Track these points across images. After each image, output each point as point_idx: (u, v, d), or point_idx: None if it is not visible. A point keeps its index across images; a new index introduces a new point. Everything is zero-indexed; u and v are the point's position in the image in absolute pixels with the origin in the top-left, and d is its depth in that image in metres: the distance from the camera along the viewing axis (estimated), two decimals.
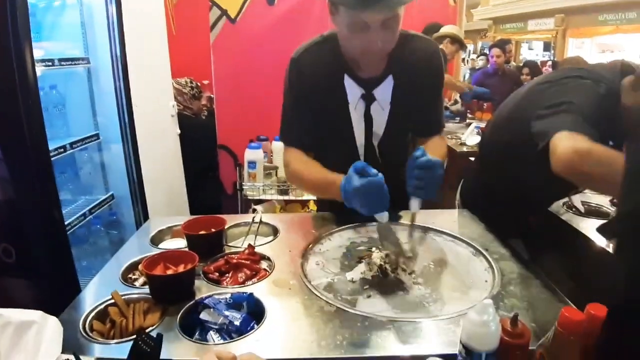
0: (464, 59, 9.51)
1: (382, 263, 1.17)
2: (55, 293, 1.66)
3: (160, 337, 0.87)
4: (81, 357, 0.89)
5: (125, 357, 0.88)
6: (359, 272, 1.20)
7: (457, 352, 0.85)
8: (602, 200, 1.92)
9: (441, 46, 3.42)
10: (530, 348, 0.83)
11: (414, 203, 1.32)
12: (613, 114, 1.26)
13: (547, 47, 13.44)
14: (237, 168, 2.81)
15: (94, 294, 1.17)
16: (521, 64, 5.78)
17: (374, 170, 1.19)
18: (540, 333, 0.94)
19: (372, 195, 1.18)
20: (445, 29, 3.53)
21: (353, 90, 1.44)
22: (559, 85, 1.36)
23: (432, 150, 1.38)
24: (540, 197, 1.68)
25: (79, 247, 2.10)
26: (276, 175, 2.75)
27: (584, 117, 1.21)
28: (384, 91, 1.44)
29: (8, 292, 1.76)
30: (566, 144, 1.14)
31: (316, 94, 1.43)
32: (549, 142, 1.19)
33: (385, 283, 1.18)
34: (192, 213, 3.17)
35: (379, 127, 1.48)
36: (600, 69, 1.37)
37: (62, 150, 1.87)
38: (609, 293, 0.88)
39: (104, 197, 2.21)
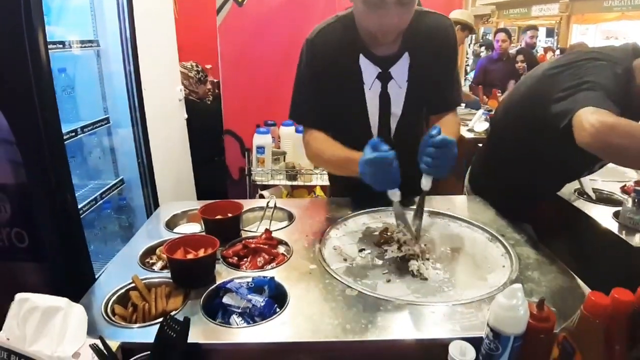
0: (468, 44, 9.41)
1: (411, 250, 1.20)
2: (69, 277, 1.66)
3: (187, 321, 0.88)
4: (107, 341, 0.90)
5: (150, 340, 0.90)
6: (390, 252, 1.23)
7: (480, 335, 0.86)
8: (614, 188, 1.93)
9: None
10: (554, 332, 0.84)
11: (426, 181, 1.31)
12: (629, 94, 1.27)
13: (550, 33, 13.29)
14: (246, 153, 2.80)
15: (111, 279, 1.18)
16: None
17: (386, 147, 1.18)
18: (559, 317, 0.95)
19: (381, 170, 1.17)
20: (455, 15, 3.44)
21: (369, 70, 1.43)
22: (574, 67, 1.35)
23: (446, 129, 1.36)
24: (551, 181, 1.69)
25: (89, 231, 2.09)
26: (284, 160, 2.74)
27: (607, 94, 1.21)
28: (401, 69, 1.44)
29: (21, 277, 1.76)
30: (593, 117, 1.15)
31: (332, 74, 1.43)
32: (571, 119, 1.19)
33: (404, 267, 1.18)
34: (198, 198, 3.18)
35: (397, 105, 1.48)
36: (611, 51, 1.37)
37: (73, 134, 1.85)
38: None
39: (114, 182, 2.20)
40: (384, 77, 1.44)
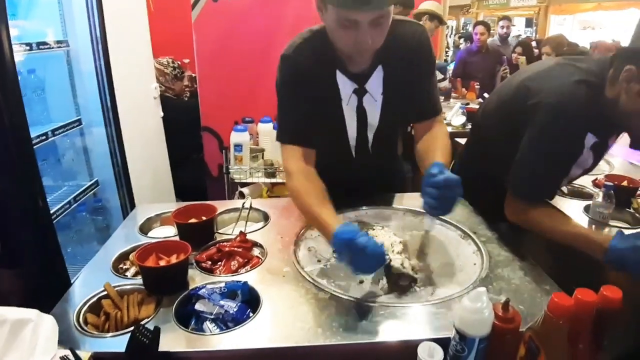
0: (447, 35, 9.46)
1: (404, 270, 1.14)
2: (44, 283, 1.64)
3: (157, 330, 0.88)
4: (77, 352, 0.89)
5: (122, 350, 0.89)
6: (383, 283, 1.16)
7: (449, 336, 0.88)
8: (585, 181, 1.96)
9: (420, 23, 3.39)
10: (520, 331, 0.86)
11: (429, 221, 1.28)
12: (599, 105, 1.26)
13: (529, 23, 13.44)
14: (224, 151, 2.78)
15: (85, 286, 1.17)
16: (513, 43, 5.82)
17: (370, 244, 1.00)
18: (527, 315, 0.97)
19: (361, 263, 1.03)
20: (424, 6, 3.54)
21: (346, 86, 1.41)
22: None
23: (438, 146, 1.36)
24: None
25: (64, 234, 2.06)
26: (262, 157, 2.73)
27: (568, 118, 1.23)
28: (376, 82, 1.42)
29: None
30: (508, 209, 1.39)
31: (309, 90, 1.39)
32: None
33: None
34: (177, 196, 3.15)
35: (373, 118, 1.47)
36: (589, 64, 1.32)
37: (44, 137, 1.82)
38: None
39: (88, 184, 2.17)
40: (360, 92, 1.43)
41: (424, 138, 1.44)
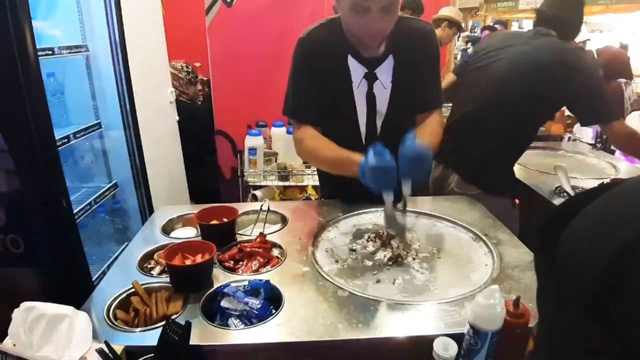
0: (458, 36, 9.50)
1: (400, 252, 1.28)
2: (66, 282, 1.70)
3: (188, 324, 0.93)
4: (112, 345, 0.94)
5: (153, 344, 0.95)
6: (382, 254, 1.30)
7: (463, 331, 0.92)
8: (592, 185, 1.99)
9: (439, 29, 3.40)
10: (529, 326, 0.91)
11: (405, 186, 1.37)
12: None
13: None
14: (238, 155, 2.84)
15: (112, 284, 1.22)
16: None
17: (388, 155, 1.27)
18: (537, 312, 1.01)
19: (383, 176, 1.27)
20: (443, 12, 3.48)
21: (356, 70, 1.51)
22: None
23: (427, 131, 1.49)
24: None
25: (83, 234, 2.12)
26: (276, 161, 2.79)
27: None
28: (386, 70, 1.52)
29: (18, 282, 1.79)
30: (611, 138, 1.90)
31: (322, 72, 1.51)
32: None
33: (393, 269, 1.25)
34: (191, 198, 3.21)
35: (382, 105, 1.56)
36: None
37: (65, 140, 1.88)
38: None
39: (108, 186, 2.23)
40: (370, 78, 1.52)
41: (419, 126, 1.55)
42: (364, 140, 1.58)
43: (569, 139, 2.91)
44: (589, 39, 7.00)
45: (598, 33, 11.20)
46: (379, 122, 1.58)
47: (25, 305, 0.98)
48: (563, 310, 0.35)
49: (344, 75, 1.52)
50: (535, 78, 1.69)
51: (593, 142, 2.75)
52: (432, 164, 1.30)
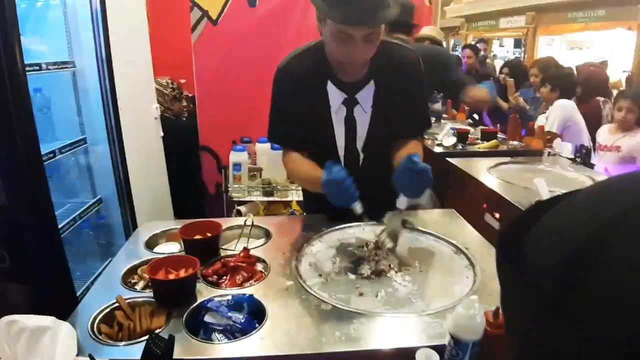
0: None
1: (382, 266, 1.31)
2: (51, 297, 1.68)
3: (172, 338, 0.93)
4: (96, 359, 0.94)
5: (136, 357, 0.94)
6: (366, 268, 1.32)
7: (444, 343, 0.94)
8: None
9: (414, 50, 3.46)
10: None
11: (402, 201, 1.39)
12: None
13: (517, 44, 13.79)
14: (223, 170, 2.85)
15: (96, 299, 1.22)
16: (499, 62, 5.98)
17: (338, 168, 1.32)
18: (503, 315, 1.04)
19: (335, 189, 1.31)
20: (425, 31, 3.56)
21: (335, 96, 1.54)
22: None
23: (410, 145, 1.56)
24: None
25: (68, 251, 2.10)
26: (260, 176, 2.80)
27: None
28: (367, 95, 1.55)
29: (3, 296, 1.77)
30: None
31: (300, 99, 1.53)
32: None
33: (376, 282, 1.27)
34: (175, 214, 3.19)
35: (362, 129, 1.58)
36: None
37: (52, 155, 1.87)
38: None
39: (92, 201, 2.22)
40: (350, 103, 1.55)
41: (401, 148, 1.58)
42: (343, 164, 1.60)
43: (549, 153, 2.97)
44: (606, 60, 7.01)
45: (578, 50, 11.53)
46: (359, 145, 1.61)
47: (6, 319, 0.97)
48: (524, 311, 0.37)
49: (322, 101, 1.55)
50: None
51: (572, 156, 2.82)
52: (432, 181, 1.31)
